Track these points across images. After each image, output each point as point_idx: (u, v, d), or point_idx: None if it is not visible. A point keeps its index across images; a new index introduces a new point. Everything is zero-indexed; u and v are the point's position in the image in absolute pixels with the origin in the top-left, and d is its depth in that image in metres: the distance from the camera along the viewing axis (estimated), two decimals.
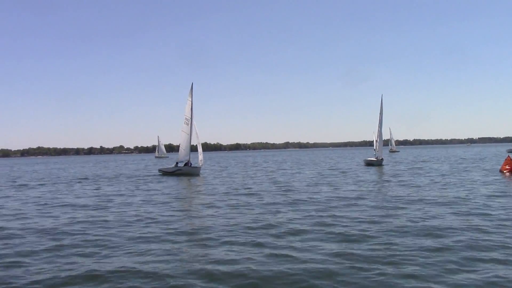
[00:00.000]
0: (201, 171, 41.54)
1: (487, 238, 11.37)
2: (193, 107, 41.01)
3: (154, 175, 43.85)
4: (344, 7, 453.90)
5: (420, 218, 14.46)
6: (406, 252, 10.14)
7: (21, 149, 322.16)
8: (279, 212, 16.78)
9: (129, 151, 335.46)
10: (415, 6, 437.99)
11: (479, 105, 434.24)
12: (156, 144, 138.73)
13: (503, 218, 14.14)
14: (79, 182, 36.90)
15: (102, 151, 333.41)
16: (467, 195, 20.14)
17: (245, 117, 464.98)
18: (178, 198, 23.05)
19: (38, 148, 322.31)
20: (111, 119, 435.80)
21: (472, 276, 8.45)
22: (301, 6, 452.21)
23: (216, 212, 17.21)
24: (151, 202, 20.82)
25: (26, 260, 10.37)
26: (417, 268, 8.97)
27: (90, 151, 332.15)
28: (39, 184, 35.43)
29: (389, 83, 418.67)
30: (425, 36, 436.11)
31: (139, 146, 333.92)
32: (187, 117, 41.36)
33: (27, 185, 34.72)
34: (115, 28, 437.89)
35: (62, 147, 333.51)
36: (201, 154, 40.34)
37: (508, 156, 36.98)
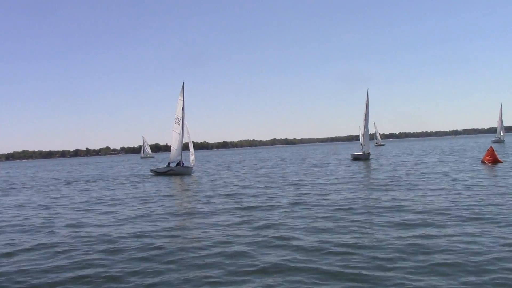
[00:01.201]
0: (193, 171, 41.18)
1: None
2: (184, 106, 40.59)
3: (143, 175, 43.25)
4: (328, 4, 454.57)
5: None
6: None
7: (6, 153, 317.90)
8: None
9: (115, 152, 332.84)
10: (403, 3, 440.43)
11: (464, 97, 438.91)
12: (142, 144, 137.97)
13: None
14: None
15: (88, 152, 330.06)
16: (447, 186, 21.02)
17: (232, 114, 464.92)
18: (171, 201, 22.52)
19: (23, 151, 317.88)
20: (97, 120, 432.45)
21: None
22: (286, 3, 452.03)
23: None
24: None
25: None
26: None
27: (76, 153, 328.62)
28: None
29: (374, 77, 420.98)
30: (410, 31, 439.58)
31: (126, 146, 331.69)
32: (178, 117, 40.88)
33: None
34: (99, 29, 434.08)
35: (47, 150, 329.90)
36: (193, 154, 40.09)
37: (491, 146, 37.58)
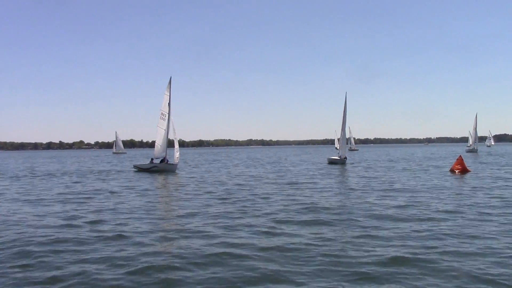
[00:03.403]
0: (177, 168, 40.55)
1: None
2: (170, 102, 40.13)
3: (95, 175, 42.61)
4: (309, 8, 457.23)
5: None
6: None
7: None
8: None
9: (89, 146, 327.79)
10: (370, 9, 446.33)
11: (437, 106, 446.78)
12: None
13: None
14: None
15: (62, 146, 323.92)
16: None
17: (208, 113, 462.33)
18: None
19: None
20: (71, 113, 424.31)
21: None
22: (268, 4, 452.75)
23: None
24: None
25: None
26: None
27: (49, 146, 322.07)
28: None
29: (352, 82, 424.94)
30: (387, 39, 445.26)
31: (100, 141, 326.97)
32: (164, 112, 40.30)
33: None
34: (76, 21, 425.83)
35: (19, 142, 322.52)
36: (178, 151, 39.22)
37: (460, 156, 38.17)
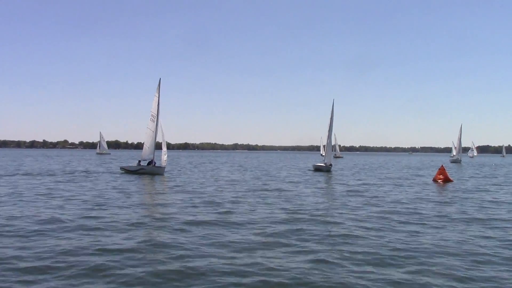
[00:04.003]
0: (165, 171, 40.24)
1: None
2: (159, 103, 39.93)
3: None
4: (295, 13, 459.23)
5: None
6: None
7: None
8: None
9: (73, 146, 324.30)
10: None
11: (422, 116, 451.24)
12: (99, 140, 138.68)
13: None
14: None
15: (45, 144, 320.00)
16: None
17: (194, 116, 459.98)
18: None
19: None
20: (56, 111, 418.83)
21: None
22: (252, 7, 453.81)
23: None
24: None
25: None
26: None
27: (33, 144, 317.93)
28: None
29: (340, 89, 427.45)
30: (373, 49, 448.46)
31: (85, 141, 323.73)
32: (153, 114, 40.17)
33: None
34: (62, 18, 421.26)
35: (2, 139, 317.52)
36: (166, 154, 38.94)
37: (442, 165, 38.90)
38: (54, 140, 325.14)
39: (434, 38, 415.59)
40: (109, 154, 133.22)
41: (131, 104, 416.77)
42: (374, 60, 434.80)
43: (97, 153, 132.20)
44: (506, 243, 12.31)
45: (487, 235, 13.42)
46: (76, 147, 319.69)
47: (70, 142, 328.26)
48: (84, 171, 43.27)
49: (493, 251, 11.36)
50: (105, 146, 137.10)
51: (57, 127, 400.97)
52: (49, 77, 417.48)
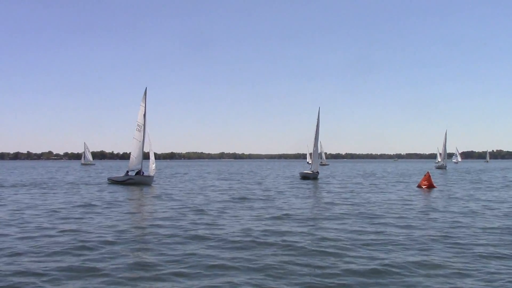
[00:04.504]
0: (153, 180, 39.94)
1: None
2: (146, 113, 39.88)
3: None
4: (278, 23, 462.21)
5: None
6: None
7: None
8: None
9: (58, 157, 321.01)
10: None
11: (407, 123, 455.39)
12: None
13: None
14: None
15: (30, 156, 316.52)
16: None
17: (180, 125, 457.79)
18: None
19: None
20: (40, 122, 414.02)
21: None
22: (238, 16, 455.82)
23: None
24: None
25: None
26: None
27: (17, 156, 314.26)
28: None
29: (325, 97, 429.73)
30: (360, 50, 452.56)
31: (70, 152, 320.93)
32: (140, 124, 40.03)
33: None
34: (43, 28, 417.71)
35: None
36: (154, 163, 38.84)
37: (427, 172, 39.53)
38: (39, 151, 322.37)
39: (418, 47, 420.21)
40: (94, 165, 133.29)
41: (116, 114, 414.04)
42: (360, 68, 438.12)
43: (82, 164, 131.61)
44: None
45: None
46: (61, 158, 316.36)
47: (55, 153, 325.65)
48: (70, 183, 43.01)
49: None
50: (90, 157, 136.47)
51: (41, 138, 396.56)
52: (32, 87, 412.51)
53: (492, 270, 10.16)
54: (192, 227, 15.68)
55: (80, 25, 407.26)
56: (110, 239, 13.48)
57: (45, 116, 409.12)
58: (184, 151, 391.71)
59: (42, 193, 30.63)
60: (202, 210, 20.78)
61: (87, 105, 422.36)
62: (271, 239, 13.44)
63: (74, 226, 15.91)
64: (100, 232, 14.63)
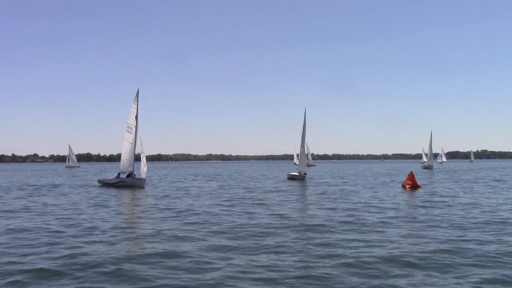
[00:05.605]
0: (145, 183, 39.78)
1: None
2: (138, 114, 39.91)
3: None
4: (262, 24, 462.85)
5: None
6: None
7: None
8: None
9: (44, 159, 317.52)
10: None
11: (393, 123, 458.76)
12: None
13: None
14: None
15: (14, 159, 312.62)
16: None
17: (167, 128, 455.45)
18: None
19: None
20: (25, 124, 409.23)
21: None
22: (227, 18, 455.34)
23: None
24: None
25: None
26: None
27: (1, 158, 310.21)
28: None
29: (312, 98, 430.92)
30: (347, 52, 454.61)
31: (55, 154, 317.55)
32: (130, 125, 39.87)
33: None
34: (38, 25, 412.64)
35: None
36: (145, 165, 38.65)
37: (411, 171, 40.11)
38: (24, 154, 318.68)
39: (405, 43, 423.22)
40: (79, 167, 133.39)
41: (103, 116, 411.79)
42: (346, 72, 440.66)
43: (67, 167, 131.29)
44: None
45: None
46: (47, 161, 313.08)
47: (40, 155, 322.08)
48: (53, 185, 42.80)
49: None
50: (74, 159, 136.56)
51: (26, 140, 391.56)
52: (16, 89, 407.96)
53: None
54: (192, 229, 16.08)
55: (67, 30, 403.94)
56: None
57: (30, 118, 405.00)
58: (171, 153, 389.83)
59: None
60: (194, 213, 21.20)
61: (73, 107, 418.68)
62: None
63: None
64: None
